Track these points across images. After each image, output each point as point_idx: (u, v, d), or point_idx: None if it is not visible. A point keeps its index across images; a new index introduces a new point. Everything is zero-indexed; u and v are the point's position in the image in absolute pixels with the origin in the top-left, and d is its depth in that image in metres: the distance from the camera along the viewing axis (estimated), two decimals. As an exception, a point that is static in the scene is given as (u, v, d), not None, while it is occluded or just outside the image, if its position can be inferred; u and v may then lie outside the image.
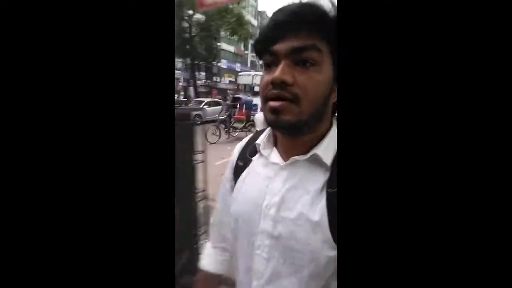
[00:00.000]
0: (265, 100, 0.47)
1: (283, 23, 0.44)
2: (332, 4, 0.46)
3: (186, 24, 14.73)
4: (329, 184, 0.48)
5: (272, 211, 0.50)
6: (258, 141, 0.57)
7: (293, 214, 0.48)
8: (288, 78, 0.44)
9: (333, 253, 0.45)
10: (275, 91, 0.45)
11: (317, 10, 0.45)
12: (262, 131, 0.60)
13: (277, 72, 0.44)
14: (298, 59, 0.44)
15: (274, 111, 0.46)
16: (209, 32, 15.97)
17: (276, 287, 0.49)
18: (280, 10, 0.47)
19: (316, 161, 0.49)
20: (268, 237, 0.50)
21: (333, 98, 0.49)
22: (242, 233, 0.55)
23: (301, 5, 0.46)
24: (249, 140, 0.64)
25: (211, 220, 0.70)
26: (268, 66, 0.48)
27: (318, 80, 0.45)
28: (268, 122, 0.48)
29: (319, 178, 0.49)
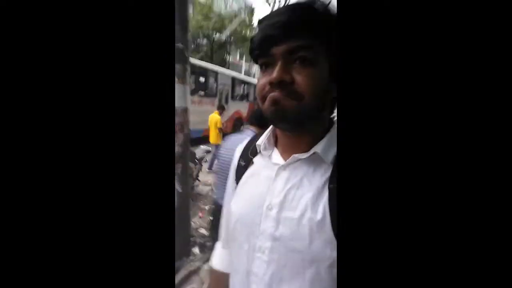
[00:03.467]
0: (263, 101, 0.48)
1: (278, 25, 0.45)
2: (325, 3, 0.47)
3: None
4: (330, 180, 0.47)
5: (274, 212, 0.49)
6: (258, 142, 0.57)
7: (296, 214, 0.47)
8: (286, 77, 0.44)
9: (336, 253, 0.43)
10: (275, 91, 0.45)
11: (311, 10, 0.46)
12: (261, 133, 0.60)
13: (275, 72, 0.45)
14: (295, 58, 0.45)
15: (274, 101, 0.45)
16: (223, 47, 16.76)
17: None
18: (275, 13, 0.47)
19: (317, 159, 0.49)
20: (269, 239, 0.49)
21: (331, 97, 0.49)
22: (242, 235, 0.54)
23: (295, 6, 0.46)
24: (249, 140, 0.64)
25: (221, 221, 0.70)
26: (265, 68, 0.48)
27: (316, 77, 0.45)
28: (269, 116, 0.48)
29: (321, 176, 0.49)
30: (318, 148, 0.49)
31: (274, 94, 0.45)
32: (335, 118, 0.52)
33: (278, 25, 0.45)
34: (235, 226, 0.56)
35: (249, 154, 0.60)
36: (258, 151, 0.58)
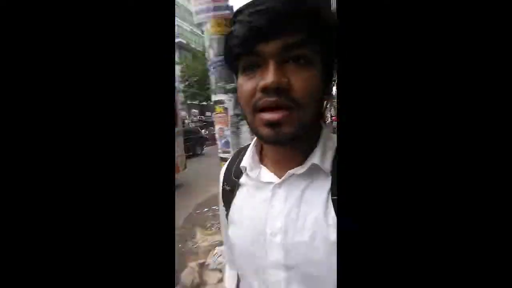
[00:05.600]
0: (254, 111, 0.40)
1: (268, 14, 0.36)
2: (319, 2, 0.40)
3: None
4: (333, 192, 0.41)
5: (279, 238, 0.42)
6: (243, 164, 0.49)
7: (304, 236, 0.41)
8: (283, 81, 0.37)
9: None
10: (271, 99, 0.37)
11: (306, 5, 0.38)
12: (244, 149, 0.53)
13: (270, 76, 0.37)
14: (289, 57, 0.37)
15: (273, 124, 0.38)
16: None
17: None
18: (262, 4, 0.37)
19: (315, 171, 0.43)
20: (282, 269, 0.42)
21: (325, 101, 0.43)
22: (248, 269, 0.46)
23: None
24: (230, 160, 0.56)
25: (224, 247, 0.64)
26: (250, 70, 0.40)
27: (314, 80, 0.39)
28: (264, 138, 0.41)
29: (322, 188, 0.42)
30: (315, 158, 0.43)
31: (273, 116, 0.38)
32: (324, 122, 0.48)
33: (268, 15, 0.36)
34: (239, 259, 0.49)
35: (232, 177, 0.52)
36: (244, 173, 0.50)
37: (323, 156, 0.43)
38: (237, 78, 0.43)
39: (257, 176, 0.48)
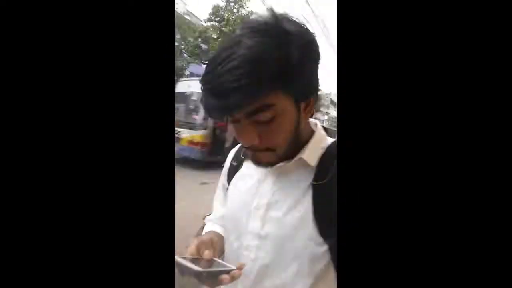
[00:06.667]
0: (243, 146, 0.50)
1: (231, 87, 0.37)
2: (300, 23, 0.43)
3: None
4: (314, 179, 0.49)
5: (261, 212, 0.51)
6: None
7: (281, 212, 0.49)
8: (254, 141, 0.44)
9: (320, 249, 0.46)
10: (249, 148, 0.47)
11: (277, 39, 0.39)
12: None
13: (242, 139, 0.45)
14: (255, 121, 0.43)
15: (256, 159, 0.49)
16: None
17: None
18: (222, 55, 0.39)
19: (303, 163, 0.50)
20: (255, 238, 0.51)
21: (307, 114, 0.48)
22: (232, 233, 0.56)
23: (254, 37, 0.39)
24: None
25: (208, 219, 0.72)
26: (232, 121, 0.46)
27: (282, 128, 0.44)
28: (250, 159, 0.51)
29: (305, 177, 0.50)
30: (303, 154, 0.50)
31: (253, 153, 0.48)
32: (318, 125, 0.55)
33: (231, 88, 0.37)
34: (227, 223, 0.59)
35: (241, 155, 0.63)
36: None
37: (311, 153, 0.50)
38: None
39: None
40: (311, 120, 0.54)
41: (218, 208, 0.68)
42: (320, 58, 0.46)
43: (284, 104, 0.43)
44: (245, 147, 0.48)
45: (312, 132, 0.53)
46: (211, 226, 0.68)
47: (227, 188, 0.63)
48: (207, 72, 0.41)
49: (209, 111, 0.43)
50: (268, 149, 0.46)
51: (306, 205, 0.48)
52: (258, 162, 0.49)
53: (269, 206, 0.51)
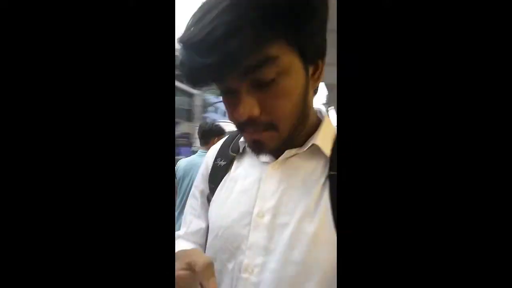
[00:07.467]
0: (238, 127, 0.40)
1: (216, 49, 0.30)
2: None
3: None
4: (331, 169, 0.39)
5: (266, 219, 0.40)
6: (242, 139, 0.47)
7: (293, 218, 0.39)
8: (253, 112, 0.35)
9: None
10: (248, 125, 0.37)
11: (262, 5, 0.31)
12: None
13: (240, 109, 0.35)
14: (255, 81, 0.34)
15: (256, 143, 0.39)
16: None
17: None
18: (205, 9, 0.31)
19: (315, 152, 0.41)
20: (259, 254, 0.39)
21: (315, 82, 0.39)
22: (225, 253, 0.43)
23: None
24: (229, 137, 0.53)
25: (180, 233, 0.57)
26: (225, 94, 0.38)
27: (287, 93, 0.36)
28: (252, 152, 0.42)
29: (319, 170, 0.41)
30: (316, 139, 0.41)
31: (254, 137, 0.38)
32: (323, 110, 0.47)
33: (224, 34, 0.29)
34: (213, 243, 0.45)
35: (229, 151, 0.49)
36: (240, 150, 0.48)
37: (324, 138, 0.42)
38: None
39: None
40: (315, 107, 0.46)
41: (193, 220, 0.53)
42: (328, 21, 0.38)
43: (289, 58, 0.34)
44: (241, 127, 0.38)
45: (318, 119, 0.45)
46: (183, 244, 0.52)
47: (207, 194, 0.50)
48: (189, 26, 0.32)
49: (194, 77, 0.33)
50: (270, 127, 0.37)
51: (323, 204, 0.38)
52: (258, 149, 0.39)
53: (276, 211, 0.40)
